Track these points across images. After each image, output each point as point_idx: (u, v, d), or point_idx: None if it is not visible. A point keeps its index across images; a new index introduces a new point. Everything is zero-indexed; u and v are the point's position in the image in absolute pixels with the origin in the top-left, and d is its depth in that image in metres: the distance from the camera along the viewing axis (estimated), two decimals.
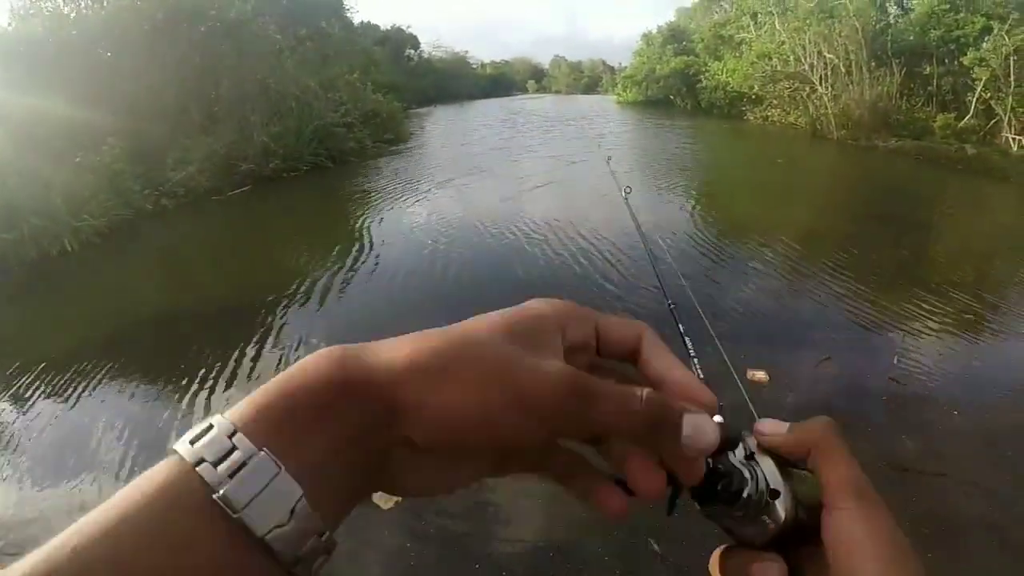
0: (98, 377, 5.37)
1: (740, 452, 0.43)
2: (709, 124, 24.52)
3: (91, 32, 13.86)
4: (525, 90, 79.06)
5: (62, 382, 5.31)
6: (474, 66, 68.24)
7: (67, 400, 5.06)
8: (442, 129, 26.79)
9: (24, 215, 8.95)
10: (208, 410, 4.76)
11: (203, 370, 5.38)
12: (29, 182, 9.50)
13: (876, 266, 7.16)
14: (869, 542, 0.37)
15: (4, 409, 4.99)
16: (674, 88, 33.00)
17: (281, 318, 6.44)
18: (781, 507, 0.40)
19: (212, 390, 5.10)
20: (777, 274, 7.01)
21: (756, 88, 22.86)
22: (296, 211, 12.27)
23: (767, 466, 0.42)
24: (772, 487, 0.40)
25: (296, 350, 5.74)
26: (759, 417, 0.44)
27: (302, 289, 7.16)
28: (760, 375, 4.50)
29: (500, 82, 73.01)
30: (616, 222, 8.33)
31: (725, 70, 26.15)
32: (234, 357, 5.60)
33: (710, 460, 0.40)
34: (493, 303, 0.41)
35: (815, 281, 6.67)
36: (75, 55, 13.12)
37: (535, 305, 0.40)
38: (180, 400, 4.97)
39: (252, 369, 5.43)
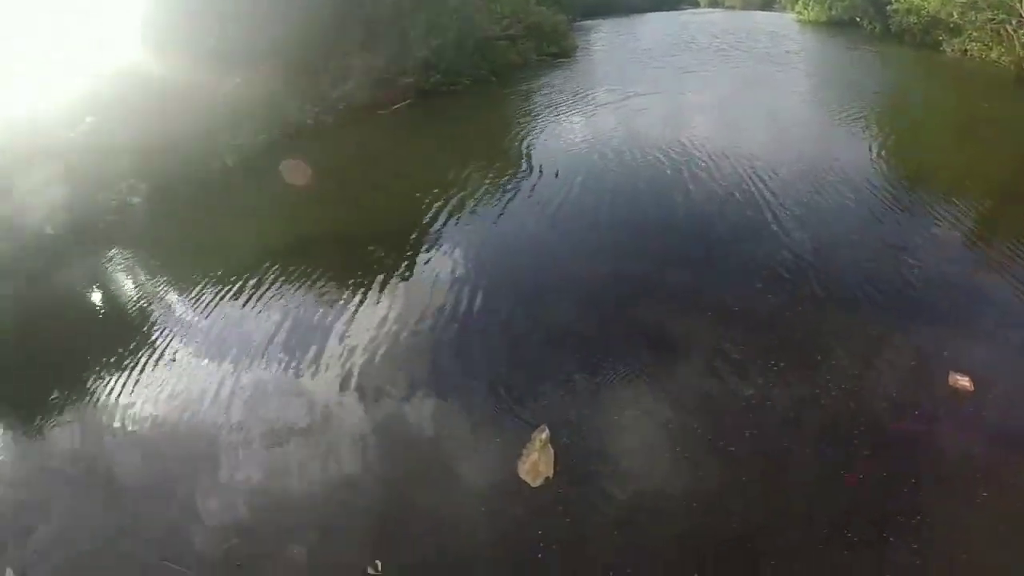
0: (260, 283, 5.86)
1: None
2: (900, 52, 21.54)
3: None
4: (696, 3, 73.16)
5: (230, 287, 5.86)
6: None
7: (235, 302, 5.62)
8: (608, 43, 25.74)
9: (187, 136, 9.39)
10: (356, 311, 5.26)
11: (359, 277, 5.74)
12: (192, 105, 9.88)
13: None
14: None
15: (183, 307, 5.66)
16: (861, 8, 28.81)
17: (435, 235, 6.61)
18: None
19: (368, 295, 5.48)
20: (988, 252, 5.82)
21: (955, 15, 19.26)
22: (457, 126, 12.33)
23: None
24: None
25: (450, 263, 5.94)
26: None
27: (457, 206, 7.29)
28: (964, 381, 3.90)
29: None
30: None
31: None
32: (389, 268, 5.94)
33: None
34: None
35: None
36: None
37: None
38: (335, 304, 5.39)
39: (405, 278, 5.75)
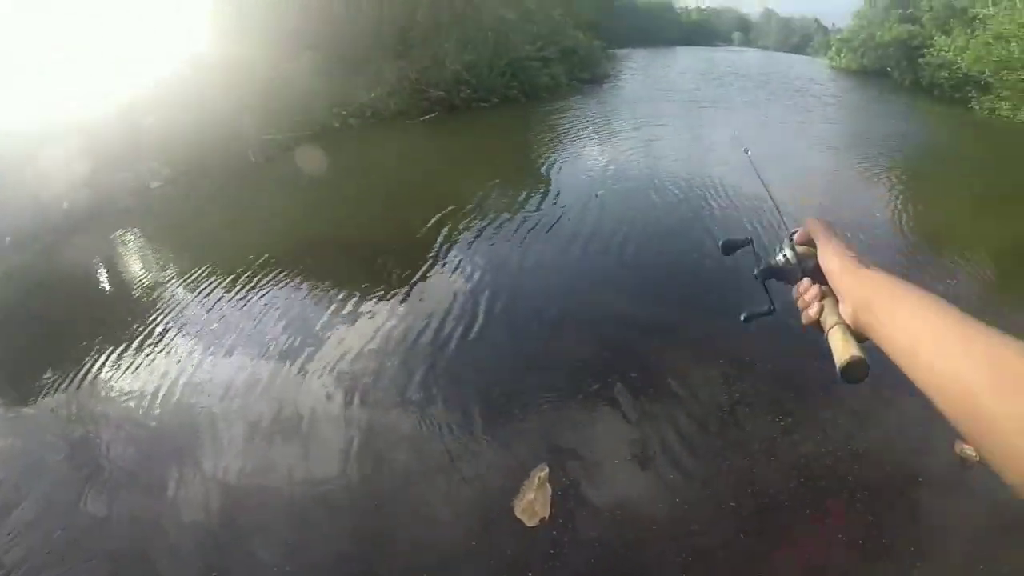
0: (268, 281, 5.84)
1: (786, 247, 0.98)
2: (929, 107, 21.61)
3: None
4: (730, 41, 73.62)
5: (236, 282, 5.84)
6: (679, 11, 64.30)
7: (239, 298, 5.58)
8: (641, 73, 25.83)
9: (215, 124, 9.48)
10: (359, 320, 5.20)
11: (366, 287, 5.68)
12: (224, 92, 9.99)
13: None
14: (828, 254, 0.84)
15: (186, 298, 5.62)
16: (893, 59, 29.08)
17: (449, 252, 6.54)
18: (793, 261, 0.95)
19: (373, 306, 5.41)
20: (1006, 318, 5.70)
21: (987, 73, 19.30)
22: (482, 142, 12.39)
23: (789, 250, 0.97)
24: (788, 257, 0.97)
25: (461, 282, 5.88)
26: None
27: (471, 222, 7.26)
28: (970, 451, 3.80)
29: (704, 30, 68.27)
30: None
31: (954, 47, 22.20)
32: (390, 274, 5.98)
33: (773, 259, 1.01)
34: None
35: None
36: None
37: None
38: (340, 310, 5.34)
39: (413, 293, 5.66)
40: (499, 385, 4.37)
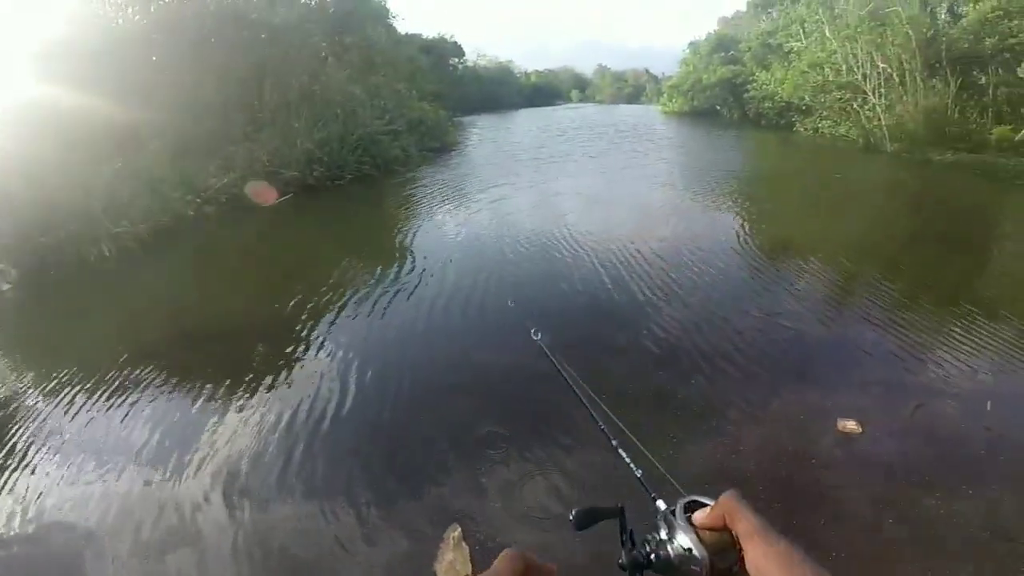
0: (133, 382, 5.53)
1: (663, 531, 0.72)
2: (757, 135, 24.19)
3: (136, 35, 14.03)
4: (569, 99, 78.79)
5: (100, 386, 5.49)
6: (518, 75, 68.12)
7: (104, 403, 5.24)
8: (487, 138, 26.96)
9: (62, 219, 9.03)
10: (230, 412, 4.97)
11: (234, 377, 5.49)
12: (69, 185, 9.60)
13: (956, 295, 6.67)
14: (769, 564, 0.61)
15: (47, 408, 5.23)
16: (720, 98, 32.66)
17: (314, 332, 6.47)
18: (700, 558, 0.67)
19: (242, 396, 5.23)
20: (855, 306, 6.57)
21: (807, 98, 22.33)
22: (339, 221, 12.29)
23: (689, 536, 0.69)
24: (687, 548, 0.68)
25: (329, 361, 5.80)
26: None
27: (333, 300, 7.26)
28: (851, 425, 4.24)
29: (544, 91, 72.85)
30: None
31: (774, 80, 25.65)
32: (256, 361, 5.82)
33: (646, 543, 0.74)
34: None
35: (896, 313, 6.24)
36: (120, 59, 13.19)
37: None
38: (209, 405, 5.12)
39: (281, 378, 5.51)
40: (382, 457, 4.29)
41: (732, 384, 4.95)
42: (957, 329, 5.78)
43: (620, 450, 1.13)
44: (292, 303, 7.20)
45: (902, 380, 4.95)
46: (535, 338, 1.91)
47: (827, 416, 4.37)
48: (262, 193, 12.69)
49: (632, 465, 1.05)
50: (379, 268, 8.36)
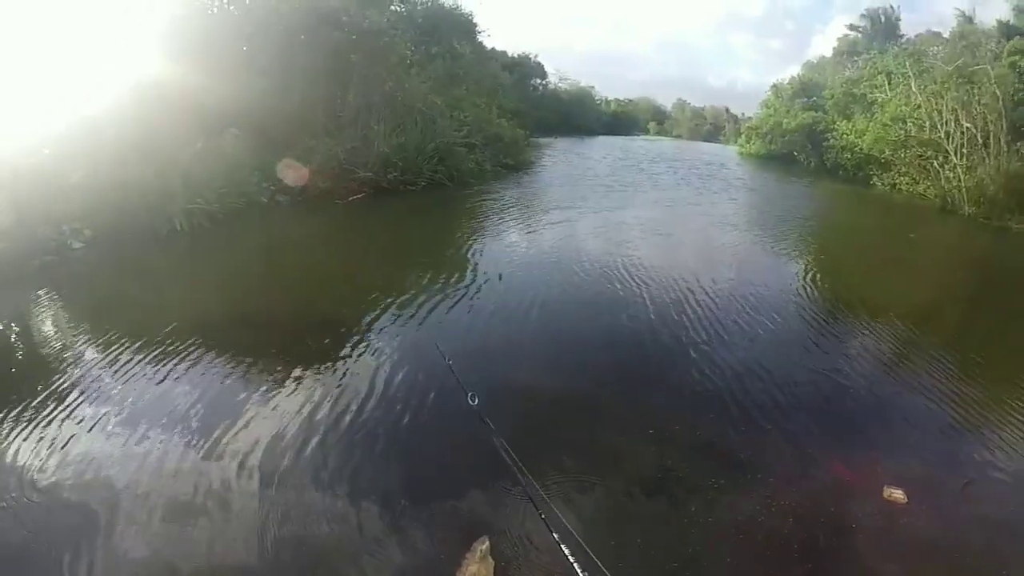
0: (184, 354, 5.70)
1: None
2: (832, 186, 23.73)
3: (230, 26, 14.67)
4: (646, 131, 78.58)
5: (155, 355, 5.65)
6: (598, 101, 68.25)
7: (157, 372, 5.38)
8: (562, 161, 27.00)
9: (142, 190, 9.47)
10: (272, 396, 5.10)
11: (283, 364, 5.59)
12: (152, 160, 10.04)
13: (1019, 373, 6.44)
14: None
15: (103, 373, 5.32)
16: (799, 144, 32.09)
17: (372, 330, 6.56)
18: None
19: (287, 383, 5.31)
20: (911, 372, 6.37)
21: (887, 152, 21.73)
22: (409, 224, 12.53)
23: None
24: None
25: (371, 358, 5.90)
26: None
27: (398, 303, 7.30)
28: (898, 494, 4.13)
29: (622, 120, 72.90)
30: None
31: (854, 130, 24.99)
32: (310, 354, 5.87)
33: None
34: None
35: (953, 384, 6.03)
36: (212, 46, 13.75)
37: None
38: (252, 385, 5.22)
39: (327, 369, 5.61)
40: (426, 465, 4.33)
41: (782, 438, 4.87)
42: (1015, 408, 5.56)
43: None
44: (352, 302, 7.34)
45: (954, 454, 4.80)
46: (472, 404, 1.86)
47: (873, 482, 4.27)
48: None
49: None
50: (441, 276, 8.41)
